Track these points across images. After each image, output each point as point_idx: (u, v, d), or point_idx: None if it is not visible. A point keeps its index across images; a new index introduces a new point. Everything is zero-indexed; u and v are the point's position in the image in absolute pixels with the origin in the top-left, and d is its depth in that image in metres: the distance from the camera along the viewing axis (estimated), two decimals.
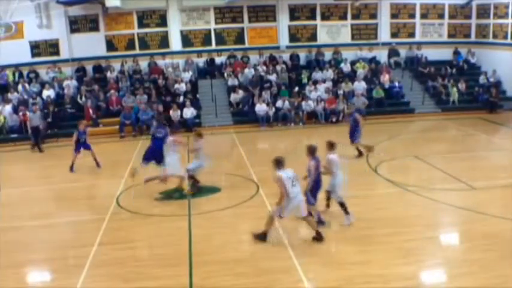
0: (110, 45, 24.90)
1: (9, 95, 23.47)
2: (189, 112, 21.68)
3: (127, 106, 21.93)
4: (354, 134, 15.67)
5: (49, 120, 22.08)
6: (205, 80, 24.92)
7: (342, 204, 10.43)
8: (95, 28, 24.66)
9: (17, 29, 23.17)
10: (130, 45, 24.88)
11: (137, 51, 24.91)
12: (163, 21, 24.66)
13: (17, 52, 24.41)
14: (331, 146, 10.68)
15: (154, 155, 12.97)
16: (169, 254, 9.45)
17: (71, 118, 22.21)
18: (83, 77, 24.40)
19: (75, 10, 24.34)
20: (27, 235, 11.01)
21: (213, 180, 13.64)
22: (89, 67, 24.85)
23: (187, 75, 23.90)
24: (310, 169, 9.93)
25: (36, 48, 25.05)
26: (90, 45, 24.49)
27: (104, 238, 10.42)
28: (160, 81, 23.53)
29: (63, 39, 24.77)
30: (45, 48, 25.04)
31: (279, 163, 9.26)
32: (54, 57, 24.97)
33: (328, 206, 11.06)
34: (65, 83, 23.94)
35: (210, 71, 25.40)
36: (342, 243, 9.67)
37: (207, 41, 25.58)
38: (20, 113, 22.04)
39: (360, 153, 15.93)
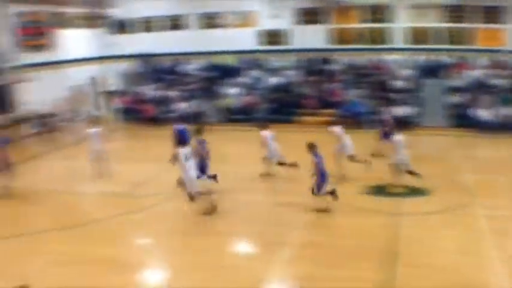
0: (336, 38, 27.44)
1: (238, 79, 28.72)
2: (405, 110, 22.89)
3: (346, 99, 24.45)
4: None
5: (272, 105, 26.58)
6: (426, 79, 25.83)
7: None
8: (323, 20, 27.34)
9: (250, 17, 27.64)
10: (355, 39, 27.18)
11: (363, 45, 26.93)
12: (389, 17, 26.24)
13: (248, 39, 28.74)
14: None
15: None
16: (371, 248, 10.18)
17: (292, 106, 25.88)
18: (307, 68, 27.29)
19: (305, 2, 27.28)
20: (238, 208, 13.38)
21: (424, 182, 14.24)
22: (314, 58, 27.65)
23: (408, 73, 25.25)
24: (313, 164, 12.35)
25: (265, 36, 29.11)
26: (316, 36, 27.20)
27: (308, 222, 11.91)
28: (381, 77, 25.07)
29: (291, 30, 28.01)
30: (274, 37, 28.93)
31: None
32: (282, 47, 28.66)
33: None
34: (290, 72, 27.50)
35: (432, 69, 26.18)
36: None
37: (430, 39, 26.45)
38: (246, 97, 26.99)
39: None
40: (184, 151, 12.78)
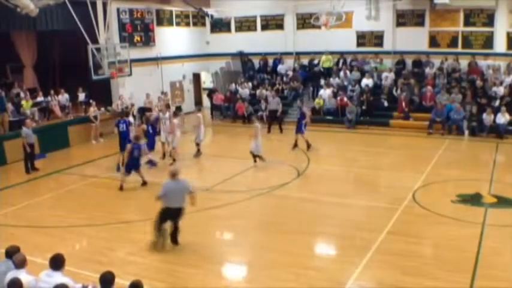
0: (433, 41, 26.76)
1: (331, 80, 28.99)
2: (502, 118, 22.15)
3: (440, 103, 23.75)
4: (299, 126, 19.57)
5: (364, 107, 26.72)
6: None
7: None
8: (420, 23, 26.81)
9: (346, 18, 27.81)
10: (453, 43, 26.28)
11: (459, 49, 26.10)
12: (490, 21, 25.26)
13: (344, 40, 28.68)
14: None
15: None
16: (453, 258, 9.99)
17: (385, 108, 25.95)
18: (402, 70, 26.90)
19: (403, 4, 26.73)
20: (323, 209, 13.58)
21: None
22: (409, 61, 27.15)
23: (508, 79, 24.30)
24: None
25: (361, 38, 29.01)
26: (413, 39, 26.75)
27: (393, 228, 11.84)
28: (478, 82, 24.27)
29: (388, 32, 27.72)
30: (370, 39, 28.67)
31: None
32: (377, 49, 28.37)
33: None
34: (384, 74, 27.13)
35: None
36: None
37: None
38: (338, 98, 27.15)
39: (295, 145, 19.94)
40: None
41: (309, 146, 19.80)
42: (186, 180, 10.82)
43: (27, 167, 17.94)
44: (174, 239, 10.94)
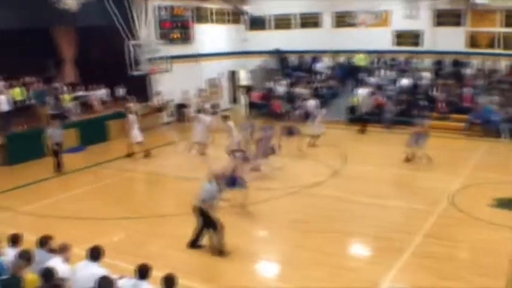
0: (472, 41, 26.36)
1: (369, 79, 28.74)
2: None
3: (479, 105, 23.32)
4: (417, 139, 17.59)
5: (401, 107, 26.37)
6: None
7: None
8: (459, 23, 26.45)
9: (384, 17, 27.52)
10: (492, 44, 25.86)
11: (499, 50, 25.63)
12: None
13: (382, 39, 28.43)
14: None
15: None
16: (490, 264, 9.73)
17: (422, 109, 25.58)
18: (440, 70, 26.56)
19: (442, 4, 26.45)
20: (358, 209, 13.40)
21: None
22: (447, 61, 26.80)
23: None
24: None
25: (399, 37, 28.74)
26: (451, 39, 26.28)
27: (429, 230, 11.63)
28: None
29: (426, 31, 27.42)
30: (408, 38, 28.52)
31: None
32: (415, 48, 28.12)
33: None
34: (423, 73, 26.63)
35: None
36: None
37: None
38: (374, 97, 26.85)
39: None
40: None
41: (429, 158, 18.34)
42: (216, 188, 10.63)
43: (57, 164, 17.93)
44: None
